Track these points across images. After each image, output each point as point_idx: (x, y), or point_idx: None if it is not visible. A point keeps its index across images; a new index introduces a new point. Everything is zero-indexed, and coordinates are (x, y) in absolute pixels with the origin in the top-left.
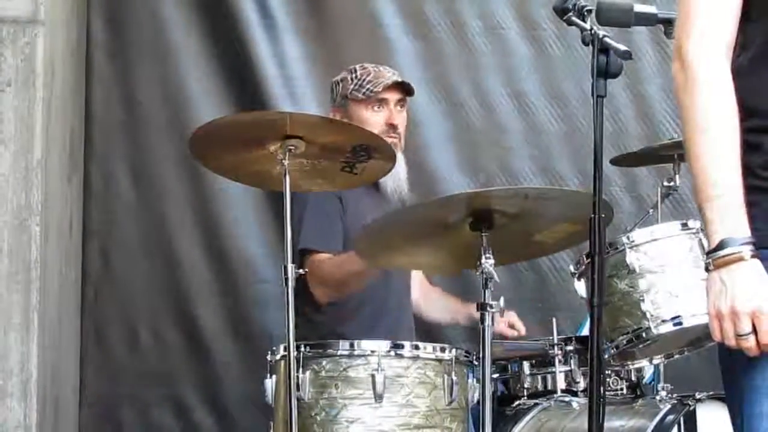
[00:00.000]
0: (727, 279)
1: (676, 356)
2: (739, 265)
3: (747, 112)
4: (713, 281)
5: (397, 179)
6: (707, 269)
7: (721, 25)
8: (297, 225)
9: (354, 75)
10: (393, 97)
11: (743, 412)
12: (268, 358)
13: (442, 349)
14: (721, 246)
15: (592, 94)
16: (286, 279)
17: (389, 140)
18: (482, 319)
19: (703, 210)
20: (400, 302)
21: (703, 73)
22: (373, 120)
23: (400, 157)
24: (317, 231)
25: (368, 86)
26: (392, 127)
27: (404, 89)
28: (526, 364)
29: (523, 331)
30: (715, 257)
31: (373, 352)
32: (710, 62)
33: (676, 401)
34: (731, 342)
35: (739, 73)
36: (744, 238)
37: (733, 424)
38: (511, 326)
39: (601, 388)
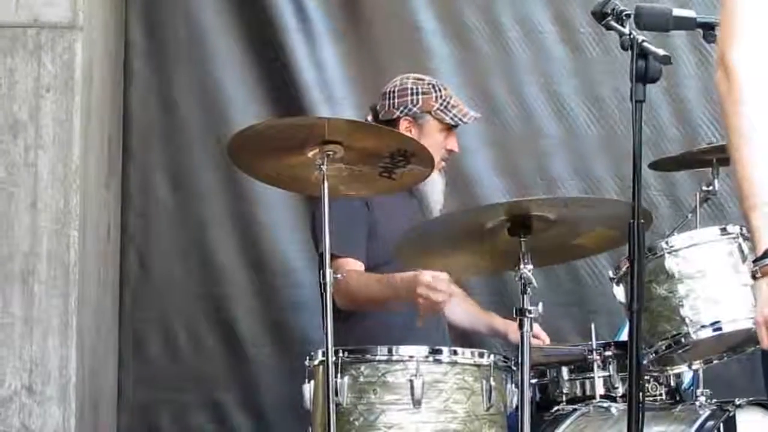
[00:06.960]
0: None
1: (716, 362)
2: None
3: None
4: (760, 288)
5: (437, 201)
6: (754, 277)
7: (764, 34)
8: (318, 229)
9: (439, 94)
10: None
11: None
12: (306, 363)
13: (481, 355)
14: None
15: (631, 99)
16: (324, 284)
17: (442, 163)
18: (521, 325)
19: (748, 218)
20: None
21: (747, 82)
22: (441, 142)
23: (441, 178)
24: (337, 235)
25: (455, 112)
26: (451, 153)
27: None
28: (564, 370)
29: (547, 340)
30: (762, 265)
31: (411, 357)
32: (754, 71)
33: (715, 407)
34: None
35: None
36: None
37: None
38: (535, 336)
39: (640, 394)
